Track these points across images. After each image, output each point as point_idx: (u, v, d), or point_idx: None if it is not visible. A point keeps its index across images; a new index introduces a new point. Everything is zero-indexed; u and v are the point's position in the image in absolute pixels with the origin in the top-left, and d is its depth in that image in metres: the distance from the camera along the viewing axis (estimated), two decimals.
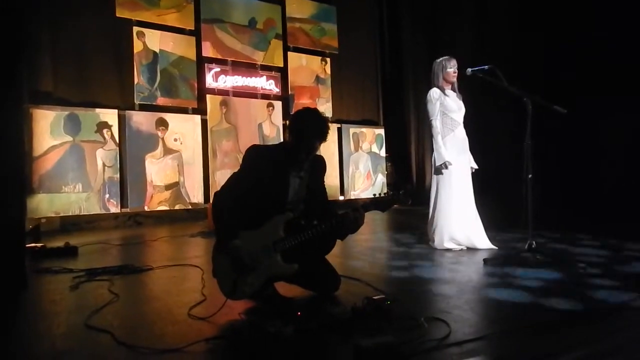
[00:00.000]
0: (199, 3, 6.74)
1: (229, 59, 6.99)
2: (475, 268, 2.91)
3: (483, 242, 3.50)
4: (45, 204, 5.40)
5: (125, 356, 1.59)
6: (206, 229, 5.16)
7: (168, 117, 6.33)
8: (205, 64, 6.75)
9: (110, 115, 5.91)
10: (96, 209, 5.75)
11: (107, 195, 5.80)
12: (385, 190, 2.21)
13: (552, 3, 5.37)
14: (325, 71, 8.00)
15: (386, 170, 8.49)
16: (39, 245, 3.84)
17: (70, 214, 5.60)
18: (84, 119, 5.73)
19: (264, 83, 7.24)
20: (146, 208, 6.10)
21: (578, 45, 5.07)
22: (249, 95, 7.12)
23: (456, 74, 3.58)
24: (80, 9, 5.84)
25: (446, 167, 3.49)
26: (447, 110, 3.57)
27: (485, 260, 3.01)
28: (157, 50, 6.35)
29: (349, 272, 2.73)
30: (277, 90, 7.37)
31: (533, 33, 5.52)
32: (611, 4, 4.85)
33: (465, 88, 3.79)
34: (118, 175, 5.92)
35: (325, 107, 7.83)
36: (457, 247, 3.49)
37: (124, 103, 6.14)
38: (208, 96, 6.69)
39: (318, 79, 7.90)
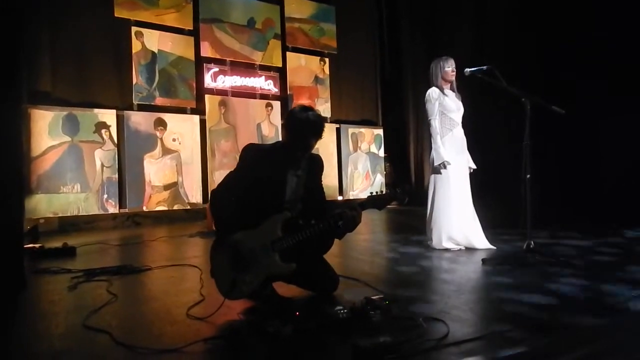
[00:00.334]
0: (197, 3, 6.73)
1: (228, 59, 6.98)
2: (473, 268, 2.92)
3: (481, 242, 3.50)
4: (43, 205, 5.39)
5: (123, 356, 1.59)
6: (205, 229, 5.16)
7: (167, 117, 6.33)
8: (204, 64, 6.75)
9: (108, 116, 5.90)
10: (95, 210, 5.74)
11: (105, 196, 5.80)
12: (382, 190, 2.22)
13: (551, 3, 5.37)
14: (324, 71, 8.00)
15: (385, 170, 8.50)
16: (37, 245, 3.83)
17: (69, 214, 5.59)
18: (83, 119, 5.72)
19: (263, 83, 7.24)
20: (145, 208, 6.10)
21: (577, 45, 5.08)
22: (248, 95, 7.12)
23: (454, 74, 3.59)
24: (79, 9, 5.83)
25: (444, 167, 3.50)
26: (445, 110, 3.57)
27: (483, 260, 3.01)
28: (156, 50, 6.35)
29: (348, 272, 2.73)
30: (276, 90, 7.37)
31: (532, 33, 5.53)
32: (611, 4, 4.86)
33: (464, 88, 3.80)
34: (116, 176, 5.91)
35: (324, 108, 7.83)
36: (456, 247, 3.49)
37: (123, 103, 6.14)
38: (207, 96, 6.69)
39: (317, 79, 7.90)
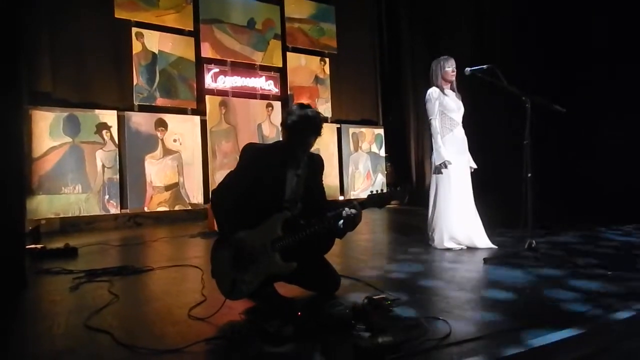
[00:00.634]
0: (197, 4, 6.74)
1: (228, 59, 6.99)
2: (475, 267, 2.91)
3: (483, 241, 3.50)
4: (45, 205, 5.40)
5: (125, 357, 1.59)
6: (206, 229, 5.16)
7: (167, 117, 6.33)
8: (204, 65, 6.75)
9: (109, 116, 5.91)
10: (96, 210, 5.75)
11: (106, 196, 5.80)
12: (383, 189, 2.21)
13: (550, 3, 5.37)
14: (324, 71, 8.00)
15: (386, 170, 8.50)
16: (39, 246, 3.84)
17: (70, 215, 5.60)
18: (84, 120, 5.73)
19: (263, 83, 7.24)
20: (146, 209, 6.10)
21: (578, 45, 5.09)
22: (248, 95, 7.12)
23: (455, 74, 3.59)
24: (79, 10, 5.83)
25: (445, 167, 3.49)
26: (446, 109, 3.57)
27: (485, 260, 3.01)
28: (156, 51, 6.35)
29: (349, 272, 2.73)
30: (276, 90, 7.37)
31: (532, 32, 5.52)
32: (611, 3, 4.86)
33: (465, 88, 3.79)
34: (117, 176, 5.91)
35: (325, 108, 7.83)
36: (457, 247, 3.49)
37: (123, 104, 6.14)
38: (207, 97, 6.69)
39: (317, 79, 7.90)
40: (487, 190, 4.08)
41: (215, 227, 2.32)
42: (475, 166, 3.65)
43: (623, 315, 1.86)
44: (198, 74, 6.69)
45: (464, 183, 3.56)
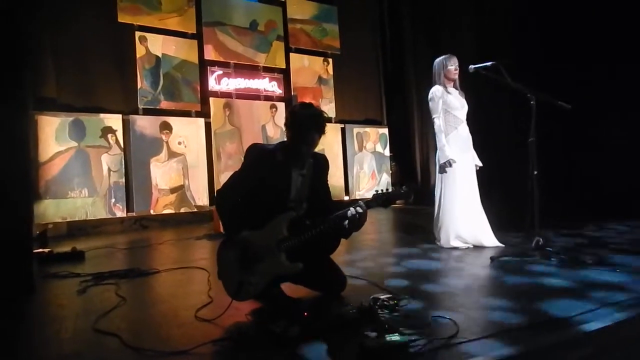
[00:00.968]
0: (199, 7, 6.76)
1: (231, 61, 7.00)
2: (482, 266, 2.90)
3: (489, 239, 3.48)
4: (51, 210, 5.43)
5: (132, 359, 1.60)
6: (212, 231, 5.17)
7: (172, 120, 6.35)
8: (208, 67, 6.77)
9: (114, 120, 5.94)
10: (102, 214, 5.78)
11: (112, 200, 5.83)
12: (388, 188, 2.20)
13: (553, 0, 5.35)
14: (327, 72, 8.00)
15: (391, 169, 8.48)
16: (46, 250, 3.87)
17: (77, 219, 5.63)
18: (89, 124, 5.76)
19: (267, 85, 7.25)
20: (152, 212, 6.12)
21: (581, 43, 5.06)
22: (252, 97, 7.13)
23: (457, 71, 3.57)
24: (83, 15, 5.86)
25: (450, 165, 3.47)
26: (449, 107, 3.56)
27: (492, 258, 2.99)
28: (160, 55, 6.38)
29: (355, 272, 2.73)
30: (280, 91, 7.38)
31: (535, 29, 5.49)
32: (612, 3, 4.84)
33: (469, 85, 3.78)
34: (123, 180, 5.94)
35: (329, 108, 7.82)
36: (464, 245, 3.47)
37: (128, 108, 6.17)
38: (211, 99, 6.70)
39: (320, 80, 7.90)
40: (493, 187, 4.06)
41: (221, 229, 2.32)
42: (480, 164, 3.64)
43: (626, 315, 1.84)
44: (202, 76, 6.71)
45: (469, 181, 3.54)
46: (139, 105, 6.18)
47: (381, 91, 8.81)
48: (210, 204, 6.44)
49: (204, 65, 6.74)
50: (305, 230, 2.06)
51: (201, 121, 6.60)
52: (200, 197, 6.46)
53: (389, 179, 8.38)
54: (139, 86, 6.18)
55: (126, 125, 6.02)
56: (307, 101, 2.35)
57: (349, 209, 2.06)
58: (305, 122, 2.10)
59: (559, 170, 5.06)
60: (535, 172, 2.98)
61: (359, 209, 2.06)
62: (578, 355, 1.60)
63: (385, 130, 8.50)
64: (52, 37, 5.67)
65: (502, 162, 4.88)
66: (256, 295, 2.07)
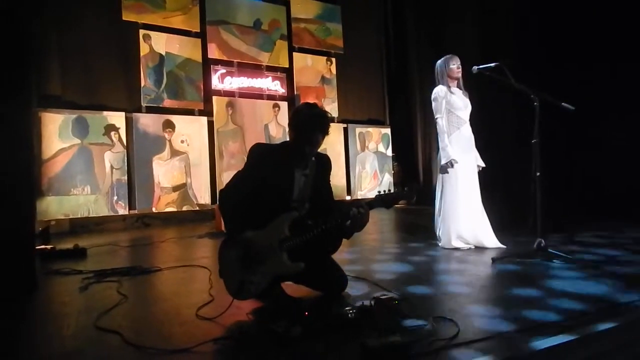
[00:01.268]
0: (204, 5, 6.77)
1: (235, 60, 7.01)
2: (483, 267, 2.89)
3: (491, 240, 3.47)
4: (54, 206, 5.45)
5: (133, 357, 1.60)
6: (214, 229, 5.18)
7: (175, 119, 6.37)
8: (211, 66, 6.78)
9: (117, 118, 5.95)
10: (104, 211, 5.80)
11: (115, 197, 5.85)
12: (390, 189, 2.20)
13: (555, 1, 5.33)
14: (330, 71, 7.99)
15: (393, 169, 8.47)
16: (48, 247, 3.89)
17: (79, 216, 5.65)
18: (92, 121, 5.77)
19: (270, 84, 7.26)
20: (154, 209, 6.14)
21: (582, 43, 5.04)
22: (255, 96, 7.14)
23: (460, 71, 3.56)
24: (87, 13, 5.89)
25: (452, 166, 3.47)
26: (452, 108, 3.55)
27: (493, 259, 2.99)
28: (164, 53, 6.39)
29: (356, 272, 2.73)
30: (283, 91, 7.38)
31: (538, 30, 5.47)
32: (613, 3, 4.83)
33: (472, 86, 3.76)
34: (126, 177, 5.96)
35: (331, 107, 7.82)
36: (465, 246, 3.47)
37: (131, 105, 6.19)
38: (214, 98, 6.72)
39: (323, 79, 7.90)
40: (494, 188, 4.05)
41: (223, 228, 2.32)
42: (483, 164, 3.63)
43: (628, 318, 1.83)
44: (205, 75, 6.72)
45: (471, 182, 3.53)
46: (142, 103, 6.20)
47: (384, 91, 8.80)
48: (212, 202, 6.45)
49: (207, 64, 6.76)
50: (307, 230, 2.06)
51: (204, 120, 6.62)
52: (203, 195, 6.47)
53: (391, 179, 8.37)
54: (142, 84, 6.19)
55: (129, 123, 6.04)
56: (310, 101, 2.35)
57: (351, 209, 2.06)
58: (309, 122, 2.09)
59: (560, 170, 5.05)
60: (538, 174, 2.97)
61: (361, 209, 2.06)
62: (581, 357, 1.59)
63: (388, 130, 8.50)
64: (57, 35, 5.70)
65: (504, 162, 4.87)
66: (257, 294, 2.07)
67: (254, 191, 2.12)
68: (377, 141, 8.30)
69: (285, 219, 2.08)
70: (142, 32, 6.23)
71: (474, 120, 3.63)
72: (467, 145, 3.57)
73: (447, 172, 3.51)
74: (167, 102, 6.39)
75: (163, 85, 6.36)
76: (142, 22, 6.24)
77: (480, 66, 3.18)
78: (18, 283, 2.52)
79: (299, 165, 2.18)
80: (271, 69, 7.37)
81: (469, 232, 3.48)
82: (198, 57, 6.68)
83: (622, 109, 4.84)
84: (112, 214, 5.87)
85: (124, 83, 6.21)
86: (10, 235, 2.49)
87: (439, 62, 3.64)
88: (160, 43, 6.37)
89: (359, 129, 8.13)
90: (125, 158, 5.97)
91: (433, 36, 7.43)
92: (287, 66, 7.52)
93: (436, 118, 3.58)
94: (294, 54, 7.61)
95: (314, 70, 7.81)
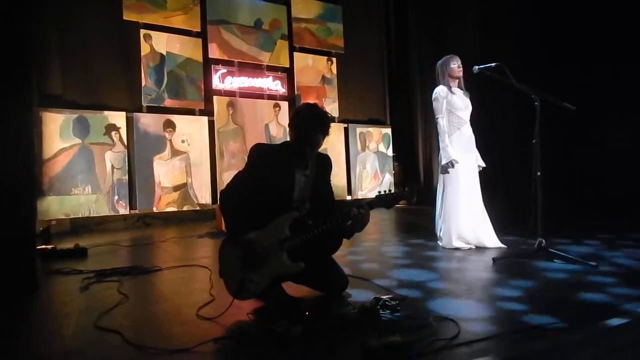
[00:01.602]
0: (204, 5, 6.76)
1: (235, 60, 7.01)
2: (484, 267, 2.89)
3: (492, 240, 3.47)
4: (55, 206, 5.45)
5: (134, 356, 1.60)
6: (214, 229, 5.19)
7: (175, 118, 6.37)
8: (212, 66, 6.78)
9: (118, 118, 5.95)
10: (105, 211, 5.80)
11: (116, 197, 5.85)
12: (391, 189, 2.20)
13: (559, 1, 5.33)
14: (331, 71, 7.99)
15: (393, 169, 8.47)
16: (49, 246, 3.88)
17: (80, 215, 5.65)
18: (93, 121, 5.78)
19: (271, 84, 7.25)
20: (154, 209, 6.14)
21: (582, 43, 5.04)
22: (256, 96, 7.13)
23: (461, 70, 3.56)
24: (88, 13, 5.88)
25: (452, 166, 3.47)
26: (453, 108, 3.55)
27: (494, 259, 2.99)
28: (164, 53, 6.39)
29: (357, 272, 2.73)
30: (284, 90, 7.38)
31: (539, 30, 5.47)
32: (613, 3, 4.82)
33: (472, 86, 3.76)
34: (127, 177, 5.96)
35: (332, 107, 7.82)
36: (466, 246, 3.47)
37: (132, 105, 6.18)
38: (215, 97, 6.71)
39: (324, 79, 7.89)
40: (495, 188, 4.05)
41: (223, 227, 2.32)
42: (483, 164, 3.63)
43: (631, 317, 1.83)
44: (206, 74, 6.72)
45: (472, 182, 3.53)
46: (143, 103, 6.20)
47: (385, 91, 8.79)
48: (213, 202, 6.45)
49: (208, 64, 6.75)
50: (307, 230, 2.06)
51: (205, 119, 6.62)
52: (203, 195, 6.47)
53: (392, 179, 8.37)
54: (143, 84, 6.19)
55: (130, 122, 6.04)
56: (311, 100, 2.35)
57: (352, 209, 2.06)
58: (309, 122, 2.10)
59: (561, 170, 5.04)
60: (539, 174, 2.96)
61: (362, 209, 2.06)
62: (584, 355, 1.59)
63: (389, 130, 8.49)
64: (58, 35, 5.70)
65: (505, 162, 4.87)
66: (257, 294, 2.08)
67: (255, 191, 2.12)
68: (377, 141, 8.30)
69: (285, 219, 2.08)
70: (142, 31, 6.23)
71: (475, 121, 3.63)
72: (467, 145, 3.57)
73: (448, 172, 3.51)
74: (168, 102, 6.39)
75: (164, 85, 6.36)
76: (143, 21, 6.23)
77: (481, 66, 3.18)
78: (19, 283, 2.52)
79: (299, 166, 2.18)
80: (272, 68, 7.36)
81: (470, 232, 3.48)
82: (199, 57, 6.68)
83: (622, 109, 4.84)
84: (113, 213, 5.87)
85: (124, 83, 6.21)
86: (11, 234, 2.50)
87: (439, 62, 3.64)
88: (161, 43, 6.37)
89: (359, 129, 8.13)
90: (126, 158, 5.97)
91: (434, 36, 7.43)
92: (288, 66, 7.52)
93: (437, 118, 3.57)
94: (295, 53, 7.60)
95: (314, 70, 7.81)
